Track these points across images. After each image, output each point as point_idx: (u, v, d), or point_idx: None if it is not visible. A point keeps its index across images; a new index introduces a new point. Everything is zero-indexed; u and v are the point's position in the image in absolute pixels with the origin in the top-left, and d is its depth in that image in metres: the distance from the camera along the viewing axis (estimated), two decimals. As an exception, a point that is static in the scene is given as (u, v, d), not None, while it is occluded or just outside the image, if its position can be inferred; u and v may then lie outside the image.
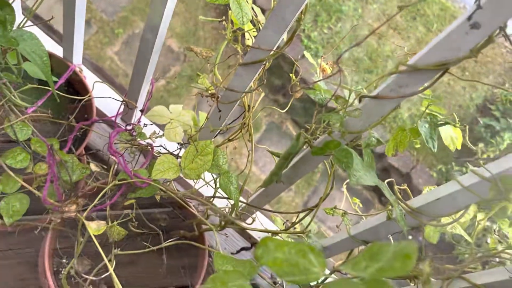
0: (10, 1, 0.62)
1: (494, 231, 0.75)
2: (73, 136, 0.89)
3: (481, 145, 2.62)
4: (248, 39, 0.78)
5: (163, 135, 0.88)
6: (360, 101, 0.61)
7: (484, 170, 0.55)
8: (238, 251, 1.06)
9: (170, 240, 0.84)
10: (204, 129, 0.86)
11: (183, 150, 0.90)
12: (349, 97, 0.63)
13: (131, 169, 0.82)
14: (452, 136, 0.68)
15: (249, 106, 0.82)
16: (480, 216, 0.74)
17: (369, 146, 0.63)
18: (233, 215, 0.84)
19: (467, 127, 0.67)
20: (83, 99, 0.93)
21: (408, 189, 0.75)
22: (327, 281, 0.76)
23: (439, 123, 0.65)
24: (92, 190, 0.82)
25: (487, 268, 0.69)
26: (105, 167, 0.90)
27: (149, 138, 0.90)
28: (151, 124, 1.06)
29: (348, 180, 0.65)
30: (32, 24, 1.01)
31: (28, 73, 0.85)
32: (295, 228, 0.88)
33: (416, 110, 2.68)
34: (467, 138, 0.70)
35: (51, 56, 0.97)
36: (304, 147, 0.72)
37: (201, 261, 0.89)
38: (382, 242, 0.33)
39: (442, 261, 0.74)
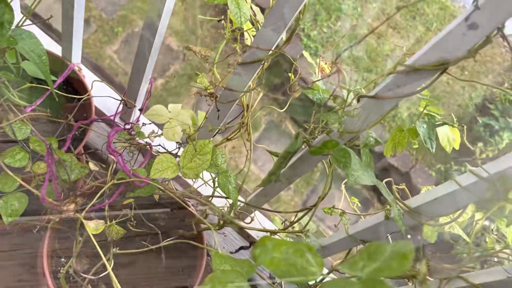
0: (9, 0, 0.62)
1: (492, 230, 0.75)
2: (72, 135, 0.88)
3: (480, 144, 2.62)
4: (247, 38, 0.78)
5: (161, 134, 0.88)
6: (358, 101, 0.61)
7: (482, 170, 0.55)
8: (237, 250, 1.06)
9: (168, 239, 0.84)
10: (202, 128, 0.86)
11: (181, 149, 0.90)
12: (347, 97, 0.63)
13: (129, 168, 0.82)
14: (449, 136, 0.69)
15: (248, 105, 0.82)
16: (478, 215, 0.74)
17: (367, 146, 0.63)
18: (232, 214, 0.84)
19: (465, 127, 0.67)
20: (82, 98, 0.93)
21: (406, 188, 0.75)
22: (325, 280, 0.76)
23: (437, 123, 0.65)
24: (90, 189, 0.82)
25: (485, 267, 0.69)
26: (103, 166, 0.90)
27: (148, 137, 0.90)
28: (150, 123, 1.06)
29: (346, 180, 0.65)
30: (31, 23, 1.01)
31: (27, 72, 0.85)
32: (293, 228, 0.88)
33: (416, 110, 2.68)
34: (465, 138, 0.70)
35: (50, 55, 0.97)
36: (303, 146, 0.72)
37: (199, 262, 0.90)
38: (379, 242, 0.34)
39: (441, 260, 0.74)
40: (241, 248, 1.07)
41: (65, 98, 0.94)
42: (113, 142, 0.87)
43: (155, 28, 0.80)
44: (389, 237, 0.77)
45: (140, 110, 0.98)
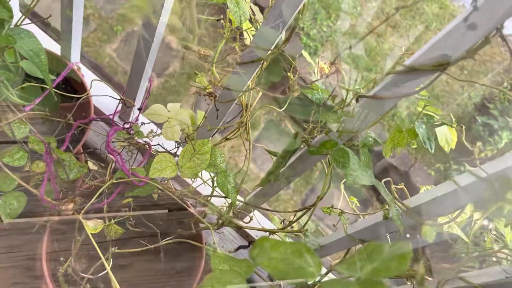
0: (7, -1, 0.62)
1: (491, 230, 0.75)
2: (71, 135, 0.88)
3: (479, 143, 2.62)
4: (246, 38, 0.78)
5: (160, 133, 0.88)
6: (357, 100, 0.61)
7: (481, 170, 0.55)
8: (235, 250, 1.06)
9: (167, 239, 0.84)
10: (201, 127, 0.86)
11: (180, 148, 0.90)
12: (346, 97, 0.63)
13: (128, 168, 0.82)
14: (447, 136, 0.69)
15: (247, 104, 0.82)
16: (477, 215, 0.74)
17: (366, 146, 0.63)
18: (231, 213, 0.84)
19: (463, 127, 0.67)
20: (81, 97, 0.93)
21: (405, 188, 0.75)
22: (323, 280, 0.76)
23: (435, 123, 0.65)
24: (89, 189, 0.82)
25: (484, 267, 0.69)
26: (102, 165, 0.90)
27: (147, 136, 0.90)
28: (149, 123, 1.06)
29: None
30: (30, 22, 1.01)
31: (25, 71, 0.85)
32: (292, 227, 0.88)
33: (415, 109, 2.67)
34: (463, 137, 0.70)
35: (48, 54, 0.97)
36: (302, 146, 0.72)
37: (198, 262, 0.90)
38: (378, 242, 0.34)
39: (439, 260, 0.74)
40: (240, 247, 1.07)
41: (64, 97, 0.94)
42: (112, 142, 0.86)
43: (154, 27, 0.80)
44: (387, 236, 0.77)
45: (139, 109, 0.98)
